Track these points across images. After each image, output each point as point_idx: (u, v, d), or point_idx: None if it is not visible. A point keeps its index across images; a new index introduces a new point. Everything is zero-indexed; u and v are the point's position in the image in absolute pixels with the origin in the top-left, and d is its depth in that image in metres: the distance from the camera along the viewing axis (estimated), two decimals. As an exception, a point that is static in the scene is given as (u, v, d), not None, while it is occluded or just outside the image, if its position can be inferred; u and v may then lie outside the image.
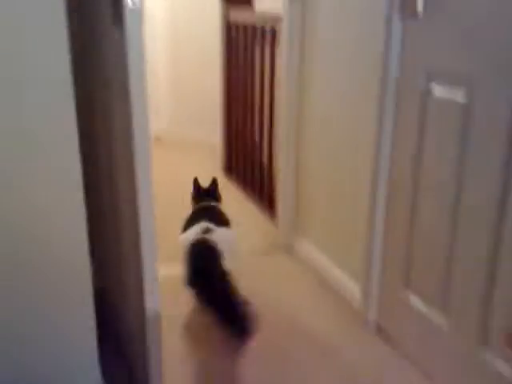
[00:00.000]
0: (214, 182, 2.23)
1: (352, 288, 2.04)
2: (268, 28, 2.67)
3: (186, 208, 2.18)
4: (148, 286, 1.40)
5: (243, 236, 2.61)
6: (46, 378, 1.34)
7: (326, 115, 2.15)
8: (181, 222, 2.06)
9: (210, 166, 3.60)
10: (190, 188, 2.23)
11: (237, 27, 3.07)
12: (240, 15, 3.05)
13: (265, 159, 2.91)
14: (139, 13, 1.22)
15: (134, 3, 1.21)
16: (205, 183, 2.25)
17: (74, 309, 1.32)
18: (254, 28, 2.85)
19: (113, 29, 1.30)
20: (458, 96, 1.47)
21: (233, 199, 3.09)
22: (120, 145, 1.46)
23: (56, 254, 1.26)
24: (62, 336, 1.32)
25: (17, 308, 1.26)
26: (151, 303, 1.42)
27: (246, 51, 2.99)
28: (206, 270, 1.80)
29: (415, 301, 1.71)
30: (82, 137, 1.27)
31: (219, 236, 1.89)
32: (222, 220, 2.04)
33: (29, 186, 1.19)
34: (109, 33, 1.37)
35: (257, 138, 3.00)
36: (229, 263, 1.81)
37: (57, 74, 1.17)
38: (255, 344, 1.69)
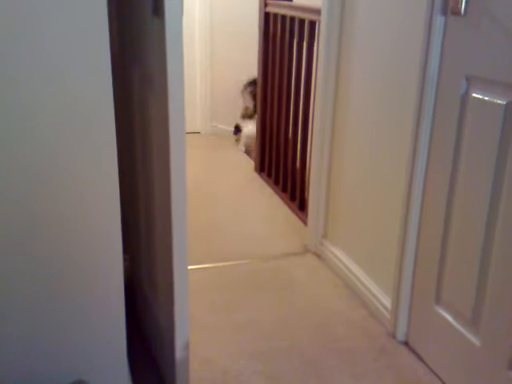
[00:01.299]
0: None
1: (381, 298, 1.96)
2: (306, 21, 2.61)
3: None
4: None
5: (273, 235, 2.59)
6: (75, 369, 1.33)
7: (361, 116, 2.07)
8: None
9: (244, 163, 3.57)
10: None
11: (275, 18, 3.01)
12: (278, 6, 2.99)
13: (297, 158, 2.84)
14: (179, 1, 1.20)
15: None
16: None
17: (105, 298, 1.31)
18: (292, 19, 2.79)
19: (153, 20, 1.27)
20: (498, 99, 1.39)
21: (264, 198, 3.05)
22: (155, 139, 1.44)
23: (89, 239, 1.25)
24: (91, 327, 1.32)
25: (47, 295, 1.26)
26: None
27: (282, 43, 2.93)
28: None
29: (446, 316, 1.64)
30: (118, 131, 1.25)
31: None
32: None
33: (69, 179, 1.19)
34: (148, 25, 1.34)
35: (290, 136, 2.94)
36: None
37: (97, 67, 1.15)
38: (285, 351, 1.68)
